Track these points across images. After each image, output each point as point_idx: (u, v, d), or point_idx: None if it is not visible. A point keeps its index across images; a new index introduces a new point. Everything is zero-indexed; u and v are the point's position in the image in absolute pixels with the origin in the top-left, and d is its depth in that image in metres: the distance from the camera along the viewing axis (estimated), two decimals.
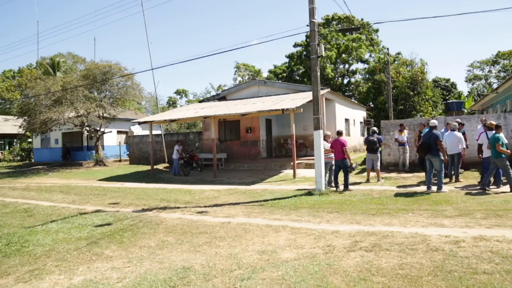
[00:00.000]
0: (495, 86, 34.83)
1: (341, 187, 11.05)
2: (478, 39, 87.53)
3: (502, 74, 45.24)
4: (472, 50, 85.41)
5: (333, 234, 6.32)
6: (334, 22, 39.96)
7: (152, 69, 22.50)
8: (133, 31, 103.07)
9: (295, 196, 10.28)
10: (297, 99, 15.98)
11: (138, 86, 25.80)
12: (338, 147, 10.97)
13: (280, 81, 34.41)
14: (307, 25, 11.20)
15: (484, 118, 12.49)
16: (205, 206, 9.63)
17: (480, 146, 10.68)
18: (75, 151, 28.71)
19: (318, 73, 11.01)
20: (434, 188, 9.90)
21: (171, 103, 56.36)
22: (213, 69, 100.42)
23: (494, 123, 10.47)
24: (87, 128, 24.68)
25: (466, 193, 9.43)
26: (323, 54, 11.13)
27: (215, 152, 16.33)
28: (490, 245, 5.28)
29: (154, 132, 24.03)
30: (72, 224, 8.14)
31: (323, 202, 9.21)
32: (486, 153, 10.28)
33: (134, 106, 41.86)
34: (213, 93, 44.05)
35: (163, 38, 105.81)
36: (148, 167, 20.11)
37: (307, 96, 15.24)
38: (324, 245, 5.74)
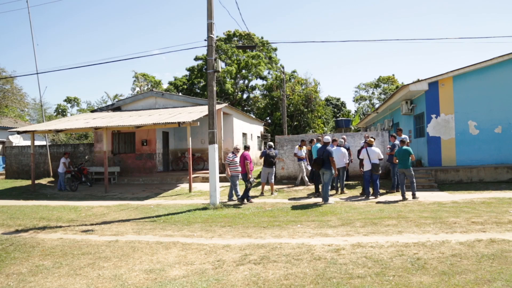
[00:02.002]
0: (377, 106, 38.82)
1: (240, 200, 11.25)
2: (364, 63, 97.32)
3: (382, 96, 50.70)
4: (359, 72, 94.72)
5: (224, 248, 6.34)
6: (236, 38, 40.92)
7: (37, 73, 20.45)
8: (17, 30, 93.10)
9: (189, 210, 10.14)
10: (195, 112, 15.90)
11: (19, 91, 23.27)
12: (241, 161, 11.18)
13: (179, 94, 33.98)
14: (205, 40, 11.26)
15: (367, 135, 13.77)
16: (92, 224, 8.96)
17: (361, 160, 11.69)
18: None
19: (215, 88, 11.10)
20: (330, 199, 10.64)
21: (60, 112, 51.83)
22: (111, 78, 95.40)
23: (373, 140, 11.66)
24: None
25: (349, 204, 10.27)
26: (220, 69, 11.28)
27: (107, 165, 15.37)
28: (365, 251, 5.79)
29: (37, 142, 21.81)
30: None
31: (217, 216, 9.22)
32: (367, 167, 11.34)
33: (15, 113, 37.57)
34: (110, 103, 41.68)
35: (56, 43, 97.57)
36: (28, 182, 18.12)
37: (205, 109, 15.25)
38: (214, 260, 5.71)
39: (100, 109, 21.72)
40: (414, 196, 10.69)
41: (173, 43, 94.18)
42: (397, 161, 11.06)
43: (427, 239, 6.32)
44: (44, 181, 19.79)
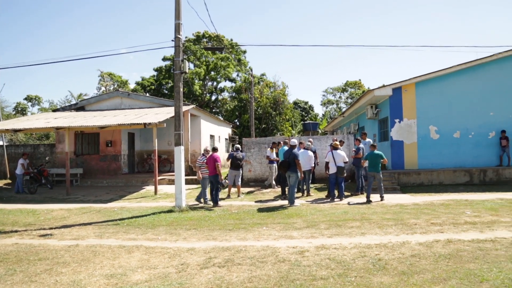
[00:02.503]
0: (344, 110, 39.56)
1: (210, 203, 11.16)
2: (332, 67, 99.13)
3: (349, 101, 51.75)
4: (327, 77, 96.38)
5: (188, 251, 6.25)
6: (205, 40, 40.64)
7: None
8: None
9: (154, 213, 9.95)
10: (161, 113, 15.66)
11: None
12: (211, 163, 11.02)
13: (146, 94, 33.39)
14: (173, 40, 11.10)
15: (335, 138, 13.98)
16: (51, 228, 8.61)
17: (327, 163, 11.84)
18: None
19: (181, 89, 10.96)
20: (296, 202, 10.71)
21: (20, 110, 49.70)
22: (76, 77, 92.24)
23: (338, 143, 11.84)
24: None
25: (315, 206, 10.38)
26: (187, 70, 11.16)
27: (69, 166, 14.85)
28: (329, 252, 5.86)
29: None
30: None
31: (182, 219, 9.09)
32: (332, 169, 11.50)
33: None
34: (74, 102, 40.34)
35: (23, 40, 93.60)
36: None
37: (172, 111, 15.04)
38: (178, 263, 5.62)
39: (63, 109, 21.02)
40: (382, 198, 10.97)
41: (141, 43, 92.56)
42: (365, 164, 11.28)
43: (388, 240, 6.48)
44: (0, 183, 18.90)
